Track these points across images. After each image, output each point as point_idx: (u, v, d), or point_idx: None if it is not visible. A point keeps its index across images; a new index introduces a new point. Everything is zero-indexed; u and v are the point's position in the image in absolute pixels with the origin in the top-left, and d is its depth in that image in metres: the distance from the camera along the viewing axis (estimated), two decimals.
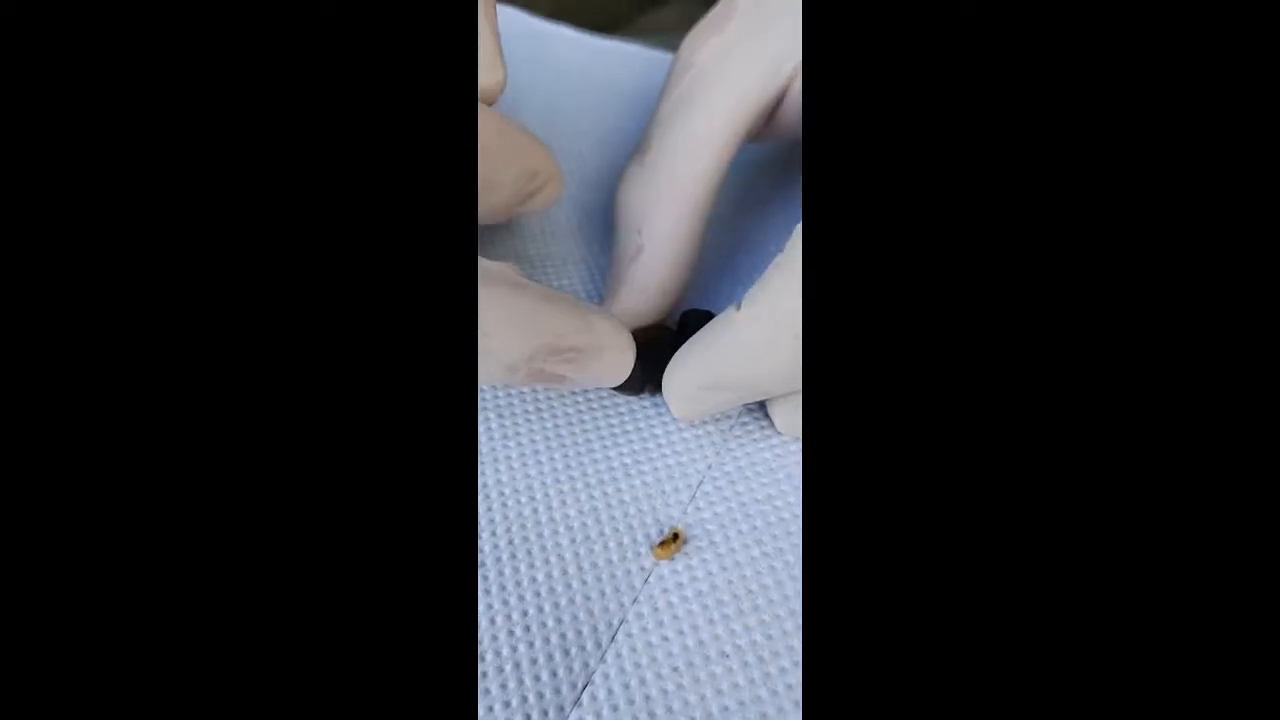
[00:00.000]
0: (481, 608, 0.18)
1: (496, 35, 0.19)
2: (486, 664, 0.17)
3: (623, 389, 0.22)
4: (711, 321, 0.19)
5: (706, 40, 0.23)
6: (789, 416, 0.20)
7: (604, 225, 0.28)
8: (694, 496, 0.20)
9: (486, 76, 0.19)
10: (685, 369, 0.19)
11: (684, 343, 0.20)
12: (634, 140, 0.32)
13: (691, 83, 0.23)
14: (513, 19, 0.40)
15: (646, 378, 0.21)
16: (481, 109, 0.19)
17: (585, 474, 0.20)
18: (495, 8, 0.20)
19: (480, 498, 0.19)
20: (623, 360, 0.19)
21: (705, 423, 0.21)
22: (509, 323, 0.17)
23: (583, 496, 0.20)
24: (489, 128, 0.19)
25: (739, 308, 0.18)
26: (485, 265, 0.17)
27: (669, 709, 0.16)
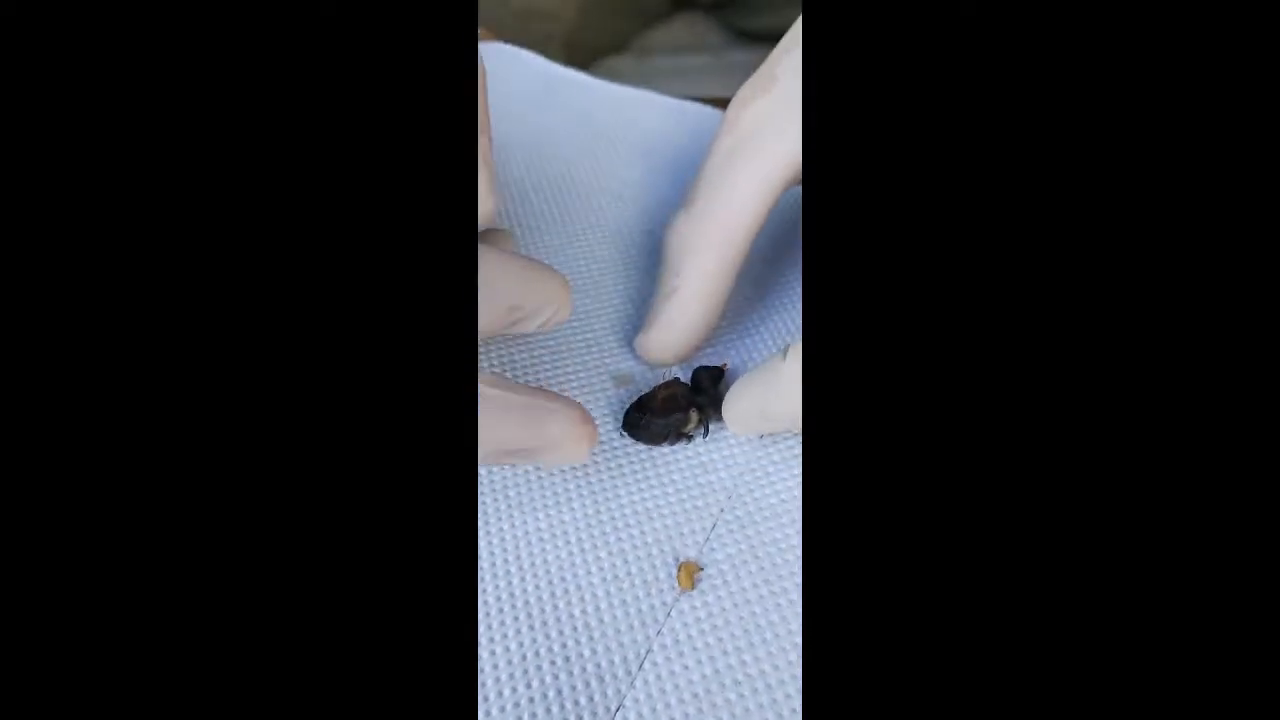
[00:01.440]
0: (526, 642, 0.20)
1: (490, 168, 0.21)
2: (533, 690, 0.19)
3: (646, 439, 0.24)
4: (761, 367, 0.22)
5: (751, 103, 0.26)
6: None
7: (621, 275, 0.30)
8: (709, 538, 0.22)
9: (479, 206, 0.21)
10: (743, 400, 0.23)
11: (698, 395, 0.25)
12: (644, 189, 0.34)
13: (736, 143, 0.25)
14: (528, 62, 0.42)
15: (668, 428, 0.24)
16: (482, 251, 0.21)
17: (613, 517, 0.23)
18: (490, 139, 0.22)
19: (525, 542, 0.22)
20: (575, 449, 0.21)
21: (718, 469, 0.24)
22: None
23: (611, 539, 0.22)
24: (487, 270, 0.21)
25: (784, 357, 0.21)
26: None
27: None
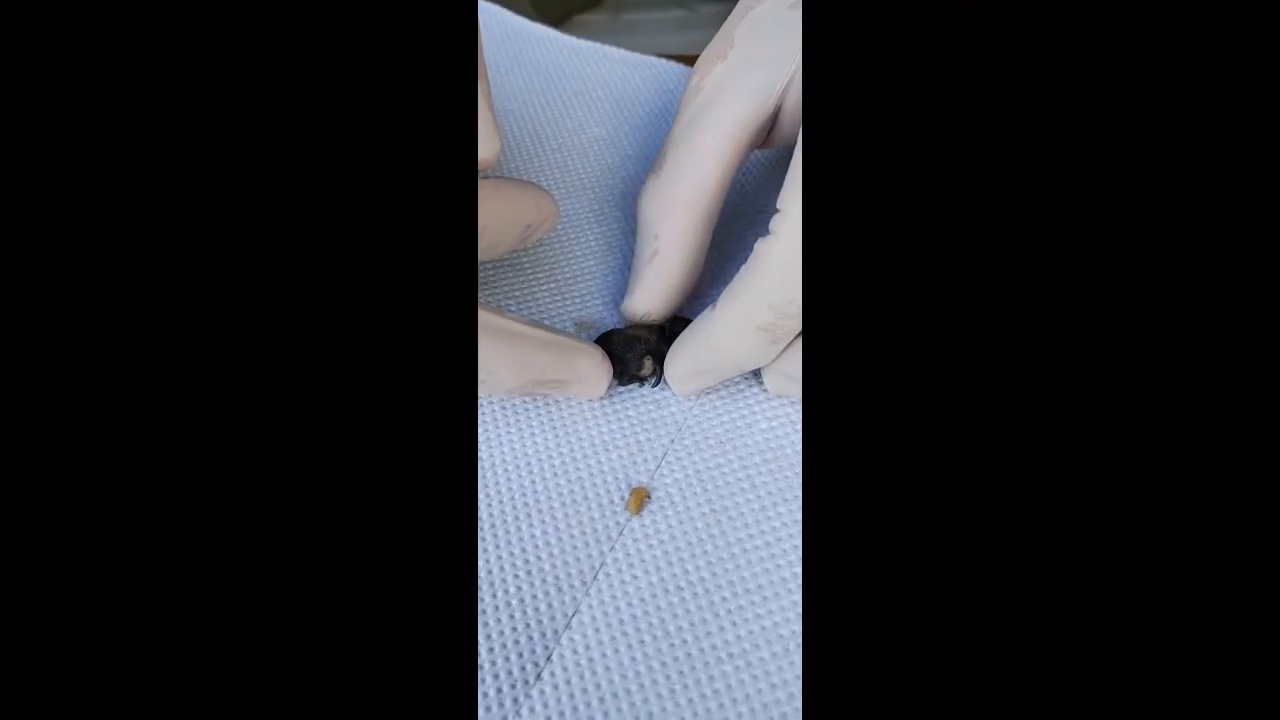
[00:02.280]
0: (492, 558, 0.23)
1: (491, 108, 0.23)
2: (498, 600, 0.22)
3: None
4: (695, 321, 0.24)
5: (711, 67, 0.27)
6: (775, 380, 0.25)
7: (587, 227, 0.32)
8: (659, 465, 0.25)
9: (483, 150, 0.23)
10: (679, 359, 0.25)
11: (666, 343, 0.26)
12: (612, 146, 0.36)
13: (699, 105, 0.27)
14: (495, 17, 0.44)
15: (623, 366, 0.26)
16: (483, 185, 0.23)
17: (572, 449, 0.25)
18: (489, 82, 0.23)
19: (490, 471, 0.25)
20: (598, 385, 0.25)
21: (669, 404, 0.26)
22: (507, 365, 0.23)
23: (570, 467, 0.25)
24: (491, 205, 0.24)
25: (714, 308, 0.23)
26: (484, 318, 0.22)
27: (638, 629, 0.22)
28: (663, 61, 0.41)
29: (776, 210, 0.21)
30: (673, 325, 0.28)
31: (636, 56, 0.41)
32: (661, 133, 0.37)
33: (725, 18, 0.28)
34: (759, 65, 0.26)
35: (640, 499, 0.24)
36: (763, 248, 0.22)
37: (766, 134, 0.28)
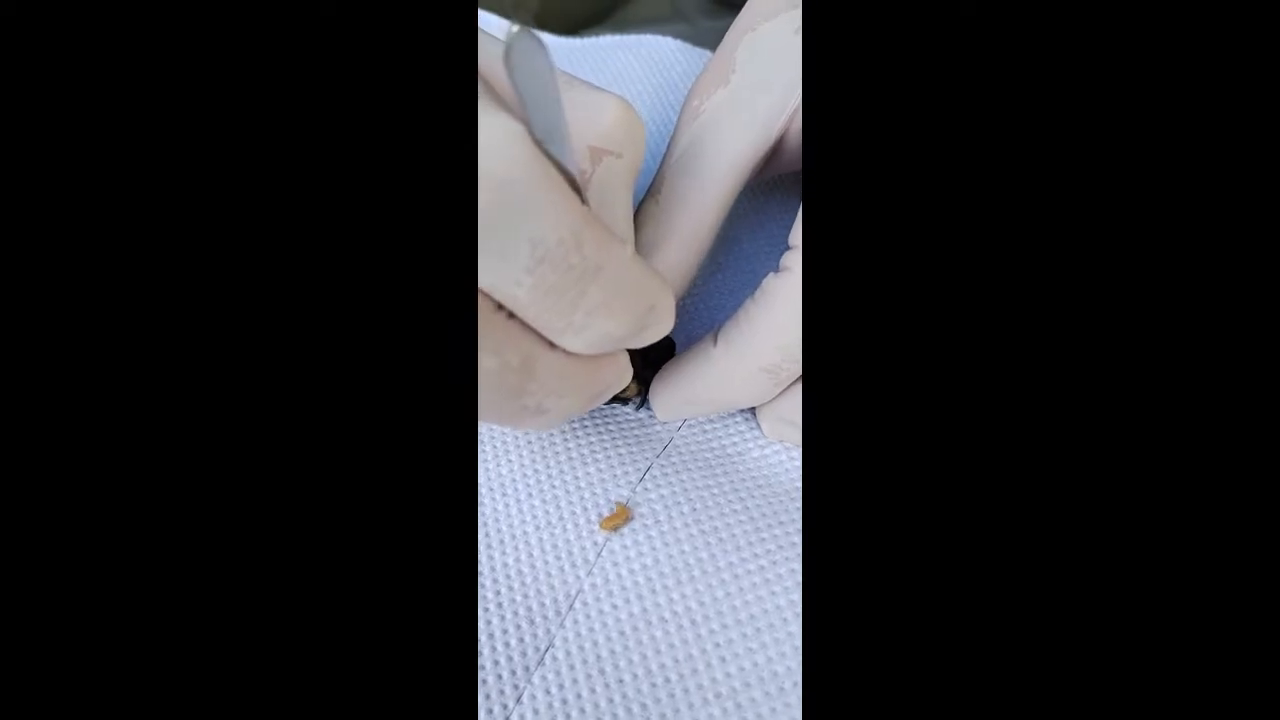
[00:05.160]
0: None
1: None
2: None
3: None
4: (691, 351, 0.22)
5: (713, 92, 0.25)
6: (772, 426, 0.23)
7: None
8: (642, 479, 0.23)
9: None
10: (669, 387, 0.23)
11: (648, 363, 0.24)
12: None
13: (699, 131, 0.25)
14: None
15: None
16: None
17: (548, 465, 0.23)
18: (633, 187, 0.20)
19: None
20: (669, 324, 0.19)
21: (654, 424, 0.24)
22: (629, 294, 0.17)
23: (545, 486, 0.23)
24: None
25: (715, 343, 0.21)
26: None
27: (616, 667, 0.19)
28: (655, 38, 0.39)
29: (789, 247, 0.19)
30: (656, 346, 0.25)
31: (629, 38, 0.39)
32: (660, 110, 0.35)
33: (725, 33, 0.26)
34: (762, 93, 0.24)
35: (615, 521, 0.22)
36: (773, 284, 0.20)
37: (766, 163, 0.26)
